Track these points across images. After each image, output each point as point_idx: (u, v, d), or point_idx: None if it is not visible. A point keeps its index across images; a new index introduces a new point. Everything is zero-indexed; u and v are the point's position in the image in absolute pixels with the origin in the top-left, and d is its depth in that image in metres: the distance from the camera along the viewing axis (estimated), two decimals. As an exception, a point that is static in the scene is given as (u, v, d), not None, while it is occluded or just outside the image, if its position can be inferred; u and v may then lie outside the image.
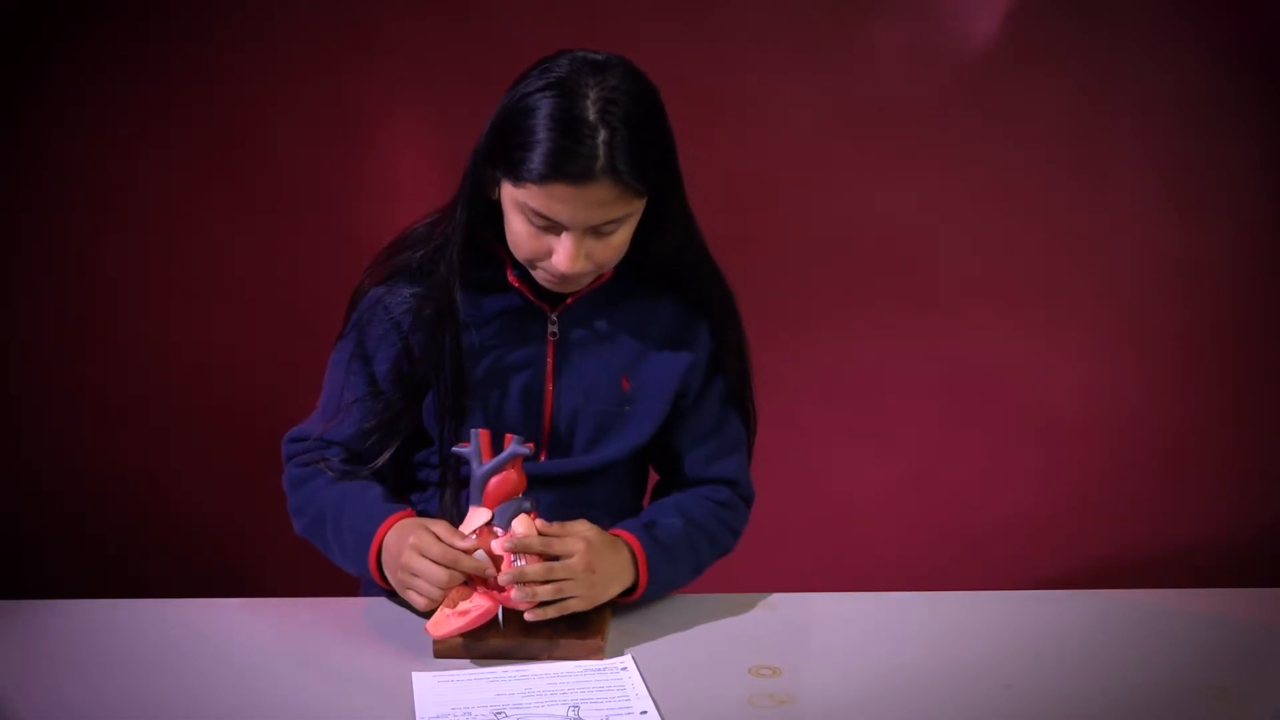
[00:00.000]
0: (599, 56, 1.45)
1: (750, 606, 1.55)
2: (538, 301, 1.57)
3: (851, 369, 2.52)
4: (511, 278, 1.55)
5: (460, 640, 1.42)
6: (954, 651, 1.43)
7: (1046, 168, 2.47)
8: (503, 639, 1.43)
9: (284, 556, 2.48)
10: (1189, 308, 2.49)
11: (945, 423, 2.54)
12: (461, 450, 1.44)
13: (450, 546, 1.40)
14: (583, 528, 1.46)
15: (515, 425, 1.56)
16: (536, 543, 1.41)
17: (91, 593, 1.61)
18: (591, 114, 1.40)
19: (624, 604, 1.51)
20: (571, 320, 1.58)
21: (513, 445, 1.42)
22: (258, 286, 2.48)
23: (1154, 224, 2.47)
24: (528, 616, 1.40)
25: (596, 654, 1.41)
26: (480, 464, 1.42)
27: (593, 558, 1.43)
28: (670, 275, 1.60)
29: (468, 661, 1.41)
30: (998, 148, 2.46)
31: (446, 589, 1.40)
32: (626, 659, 1.41)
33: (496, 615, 1.45)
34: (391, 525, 1.48)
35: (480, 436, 1.43)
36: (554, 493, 1.55)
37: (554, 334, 1.57)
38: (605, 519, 1.54)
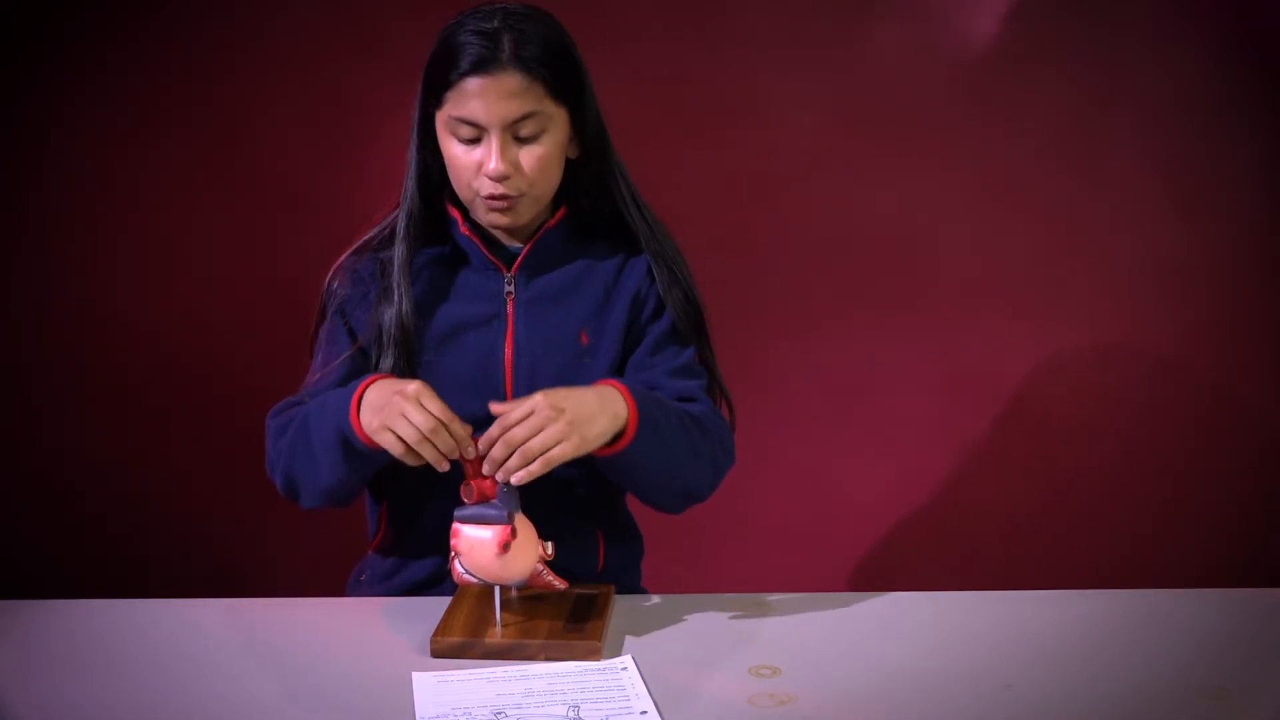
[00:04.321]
0: (509, 3, 1.60)
1: (750, 606, 1.55)
2: (493, 259, 1.63)
3: (851, 369, 2.52)
4: (465, 230, 1.63)
5: (459, 640, 1.42)
6: (954, 651, 1.43)
7: (1046, 167, 2.47)
8: (502, 639, 1.43)
9: (284, 556, 2.49)
10: (1189, 308, 2.49)
11: (945, 422, 2.54)
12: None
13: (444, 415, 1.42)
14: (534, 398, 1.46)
15: (474, 382, 1.61)
16: (495, 428, 1.43)
17: (92, 593, 1.61)
18: (498, 23, 1.55)
19: (618, 451, 1.48)
20: (527, 277, 1.64)
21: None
22: (258, 286, 2.48)
23: (1153, 224, 2.47)
24: (516, 478, 1.41)
25: (594, 655, 1.41)
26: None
27: (553, 401, 1.43)
28: (612, 229, 1.67)
29: (467, 661, 1.41)
30: (998, 148, 2.46)
31: (424, 440, 1.41)
32: (626, 659, 1.41)
33: (496, 620, 1.45)
34: (373, 382, 1.49)
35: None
36: None
37: (510, 291, 1.63)
38: (584, 494, 1.61)
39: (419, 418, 1.41)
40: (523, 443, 1.41)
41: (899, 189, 2.47)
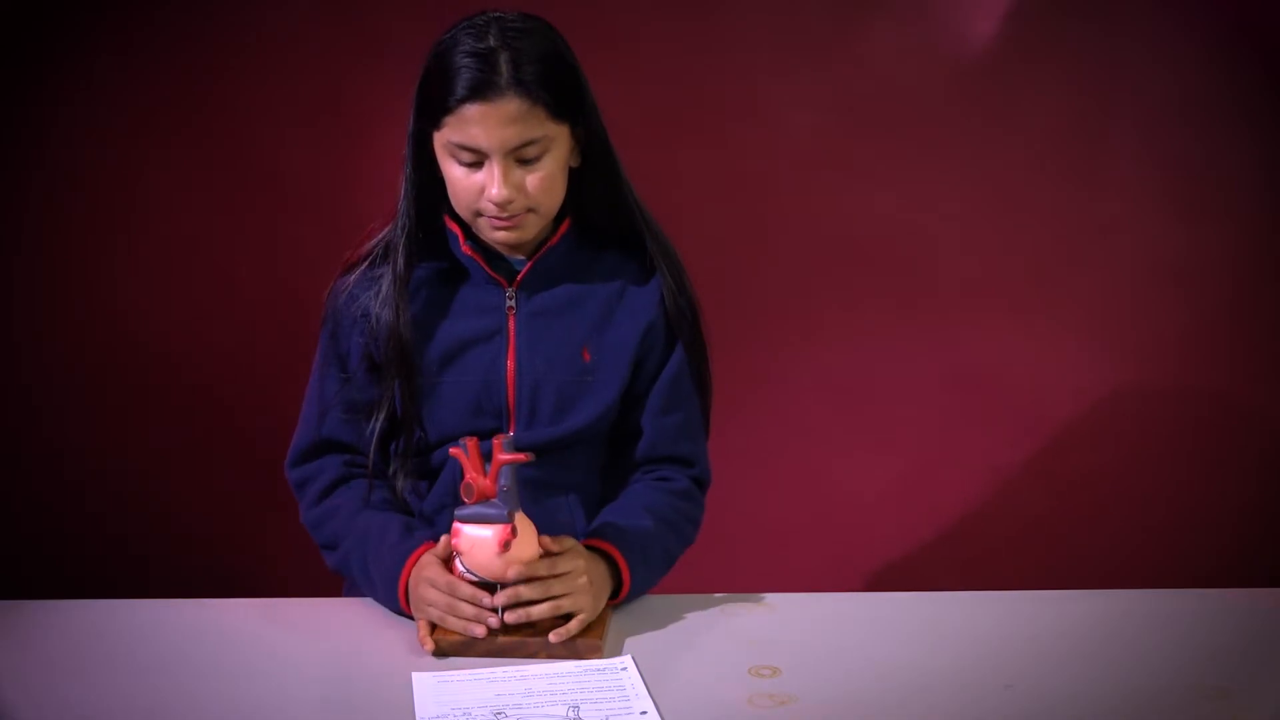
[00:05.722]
0: (504, 12, 1.56)
1: (750, 606, 1.55)
2: (494, 274, 1.61)
3: (851, 369, 2.52)
4: (466, 248, 1.60)
5: (460, 640, 1.42)
6: (954, 651, 1.43)
7: (1047, 167, 2.47)
8: (502, 638, 1.43)
9: (284, 556, 2.49)
10: (1189, 308, 2.49)
11: (945, 423, 2.54)
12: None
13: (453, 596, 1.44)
14: (571, 543, 1.49)
15: (478, 400, 1.60)
16: (543, 566, 1.44)
17: (91, 593, 1.61)
18: (494, 42, 1.51)
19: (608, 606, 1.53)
20: (529, 292, 1.62)
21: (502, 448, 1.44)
22: (258, 286, 2.48)
23: (1154, 224, 2.47)
24: (551, 638, 1.42)
25: (595, 653, 1.41)
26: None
27: (590, 572, 1.47)
28: (617, 240, 1.65)
29: (467, 661, 1.41)
30: (997, 148, 2.46)
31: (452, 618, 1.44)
32: (626, 659, 1.41)
33: (497, 618, 1.45)
34: (410, 570, 1.50)
35: (469, 446, 1.44)
36: (526, 470, 1.54)
37: (512, 307, 1.61)
38: (580, 505, 1.61)
39: (435, 598, 1.45)
40: (557, 596, 1.44)
41: (899, 189, 2.47)
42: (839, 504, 2.56)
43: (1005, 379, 2.52)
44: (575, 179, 1.61)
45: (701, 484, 1.68)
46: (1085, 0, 2.42)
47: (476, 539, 1.42)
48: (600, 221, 1.64)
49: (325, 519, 1.61)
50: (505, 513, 1.42)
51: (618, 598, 1.52)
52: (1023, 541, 2.54)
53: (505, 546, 1.41)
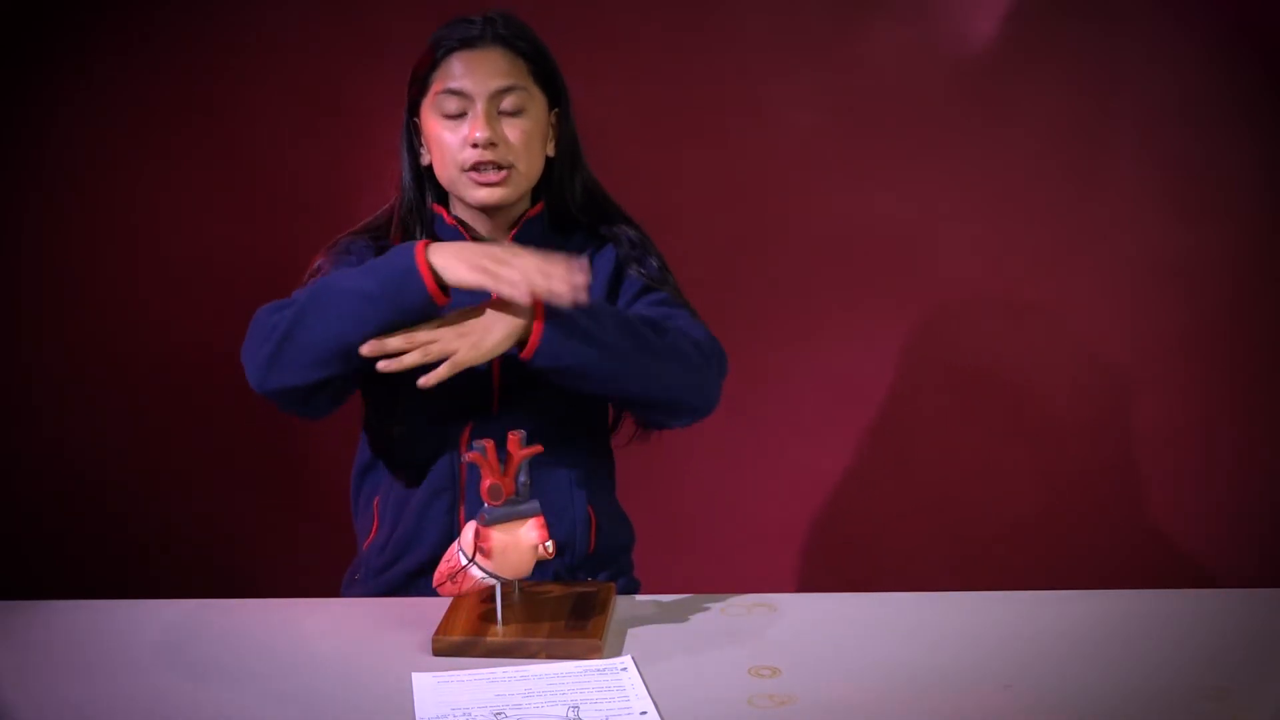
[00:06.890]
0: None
1: (750, 606, 1.55)
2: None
3: (851, 369, 2.52)
4: (450, 220, 1.66)
5: (461, 639, 1.42)
6: (954, 651, 1.43)
7: (1046, 168, 2.47)
8: (504, 637, 1.43)
9: (285, 556, 2.49)
10: (1189, 308, 2.49)
11: (945, 423, 2.54)
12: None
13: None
14: None
15: (463, 371, 1.59)
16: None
17: (92, 593, 1.61)
18: (484, 19, 1.65)
19: (536, 350, 1.52)
20: None
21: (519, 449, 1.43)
22: (257, 286, 2.47)
23: (1154, 224, 2.47)
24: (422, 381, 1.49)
25: (595, 653, 1.41)
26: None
27: (457, 319, 1.51)
28: (585, 221, 1.71)
29: (467, 661, 1.41)
30: (998, 148, 2.46)
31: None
32: (626, 659, 1.41)
33: (496, 615, 1.45)
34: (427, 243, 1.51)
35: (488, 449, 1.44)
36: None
37: None
38: (577, 476, 1.64)
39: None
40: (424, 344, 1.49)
41: (899, 189, 2.47)
42: (838, 504, 2.56)
43: (1004, 378, 2.52)
44: (550, 170, 1.68)
45: (705, 336, 1.65)
46: (1085, 0, 2.42)
47: (509, 541, 1.42)
48: (573, 209, 1.70)
49: (287, 303, 1.59)
50: (537, 504, 1.43)
51: (531, 339, 1.51)
52: (1022, 541, 2.54)
53: (548, 533, 1.42)
